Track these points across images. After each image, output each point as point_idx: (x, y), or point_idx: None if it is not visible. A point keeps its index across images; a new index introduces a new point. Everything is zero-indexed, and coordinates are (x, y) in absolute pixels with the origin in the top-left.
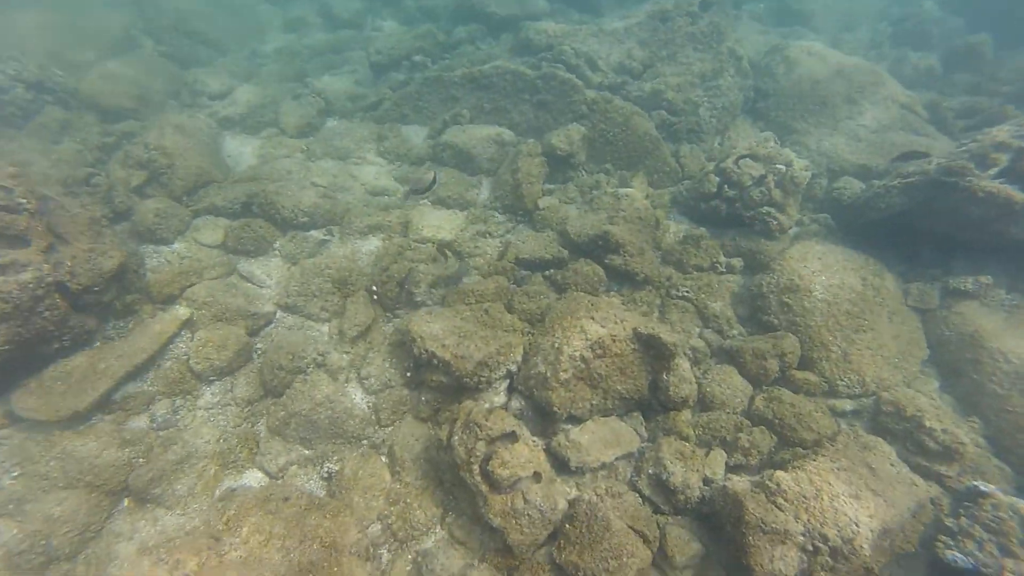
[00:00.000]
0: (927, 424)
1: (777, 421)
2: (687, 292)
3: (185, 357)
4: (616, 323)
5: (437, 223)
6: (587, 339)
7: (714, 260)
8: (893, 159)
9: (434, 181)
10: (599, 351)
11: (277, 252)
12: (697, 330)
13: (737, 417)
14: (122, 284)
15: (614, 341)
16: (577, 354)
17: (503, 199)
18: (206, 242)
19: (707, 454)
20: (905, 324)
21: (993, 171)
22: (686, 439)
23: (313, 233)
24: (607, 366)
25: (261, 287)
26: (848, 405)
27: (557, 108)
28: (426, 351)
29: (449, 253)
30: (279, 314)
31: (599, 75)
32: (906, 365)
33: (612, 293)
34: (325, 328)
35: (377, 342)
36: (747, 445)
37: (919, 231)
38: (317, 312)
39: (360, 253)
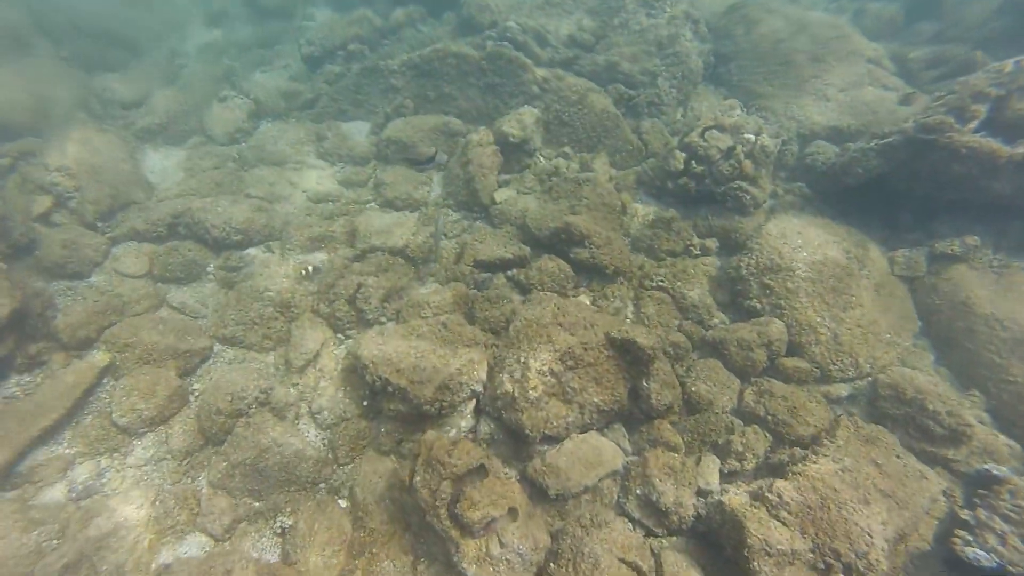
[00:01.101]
0: (930, 407)
1: (770, 418)
2: (662, 281)
3: (108, 410)
4: (586, 328)
5: (386, 229)
6: (556, 350)
7: (687, 243)
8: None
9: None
10: (570, 362)
11: (211, 276)
12: (676, 322)
13: (727, 417)
14: (23, 332)
15: (586, 349)
16: (546, 368)
17: (456, 195)
18: (129, 272)
19: (698, 462)
20: (893, 296)
21: (973, 124)
22: (674, 448)
23: (250, 252)
24: (580, 378)
25: (196, 317)
26: (843, 390)
27: (506, 90)
28: (379, 378)
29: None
30: (217, 347)
31: (549, 51)
32: (899, 340)
33: (581, 289)
34: (270, 358)
35: (329, 369)
36: (741, 449)
37: (898, 193)
38: (259, 341)
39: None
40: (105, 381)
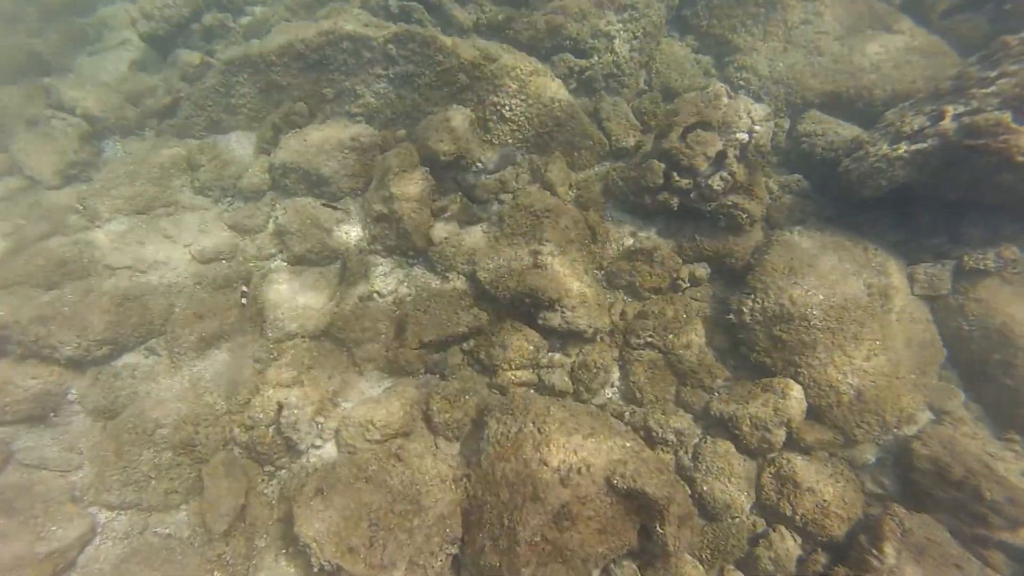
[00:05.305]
0: (987, 496)
1: (798, 518)
2: (650, 336)
3: None
4: (580, 472)
5: (302, 301)
6: (547, 511)
7: (674, 276)
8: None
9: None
10: (566, 522)
11: (77, 406)
12: (672, 389)
13: (749, 520)
14: None
15: (584, 504)
16: (538, 538)
17: (383, 238)
18: None
19: None
20: (915, 321)
21: None
22: None
23: (127, 360)
24: (580, 533)
25: (64, 472)
26: (870, 455)
27: (425, 82)
28: (328, 563)
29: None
30: (103, 517)
31: (473, 10)
32: (925, 379)
33: (555, 355)
34: (182, 515)
35: (261, 521)
36: (771, 567)
37: (922, 196)
38: (162, 500)
39: (204, 381)
40: None
